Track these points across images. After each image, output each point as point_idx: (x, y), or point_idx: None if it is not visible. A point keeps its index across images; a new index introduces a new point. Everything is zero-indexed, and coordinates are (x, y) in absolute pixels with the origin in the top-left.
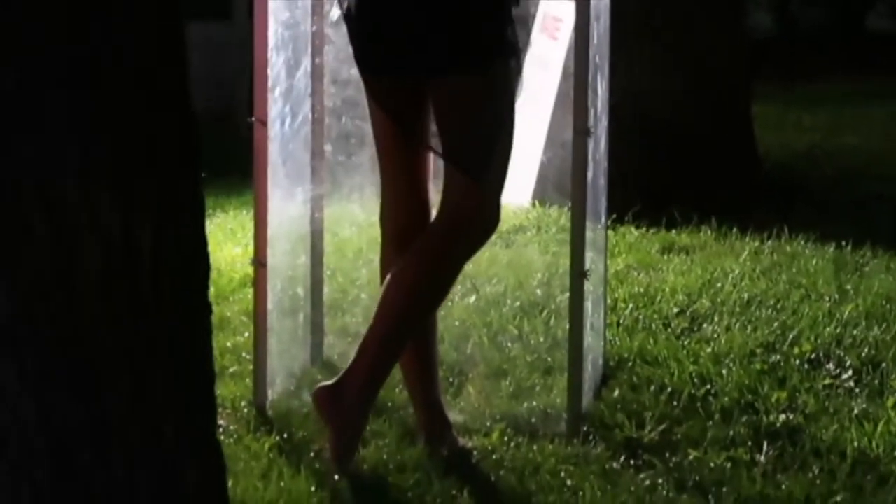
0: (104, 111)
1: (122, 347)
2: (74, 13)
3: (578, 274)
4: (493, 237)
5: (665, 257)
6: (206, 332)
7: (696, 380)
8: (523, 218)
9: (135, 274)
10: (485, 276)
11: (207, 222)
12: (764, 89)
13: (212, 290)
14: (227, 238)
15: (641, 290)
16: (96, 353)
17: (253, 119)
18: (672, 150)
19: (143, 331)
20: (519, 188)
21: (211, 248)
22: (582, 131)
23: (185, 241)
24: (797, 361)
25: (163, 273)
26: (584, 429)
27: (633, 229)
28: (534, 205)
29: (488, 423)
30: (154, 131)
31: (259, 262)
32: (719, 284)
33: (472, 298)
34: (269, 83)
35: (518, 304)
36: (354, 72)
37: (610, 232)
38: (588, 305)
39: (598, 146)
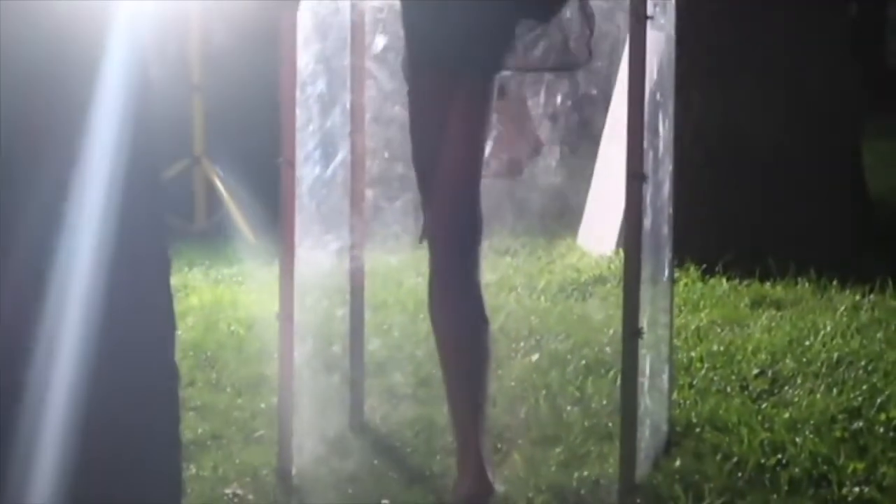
0: None
1: None
2: None
3: (632, 332)
4: (570, 289)
5: (754, 312)
6: (172, 399)
7: (767, 448)
8: (604, 268)
9: None
10: (553, 331)
11: (264, 270)
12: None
13: (257, 345)
14: None
15: (722, 348)
16: None
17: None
18: (769, 193)
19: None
20: (601, 235)
21: (263, 299)
22: (636, 176)
23: (148, 299)
24: (882, 429)
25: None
26: (637, 501)
27: (723, 281)
28: (617, 253)
29: (531, 495)
30: None
31: (285, 315)
32: (808, 342)
33: (535, 356)
34: (301, 121)
35: (583, 362)
36: (398, 109)
37: (699, 284)
38: (647, 366)
39: (660, 192)
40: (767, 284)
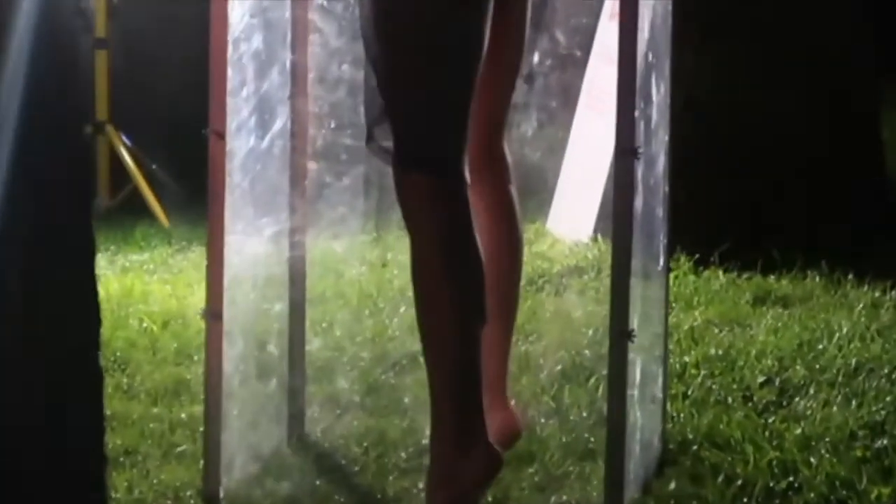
0: None
1: None
2: None
3: (620, 333)
4: (541, 282)
5: (757, 310)
6: (95, 403)
7: (776, 469)
8: (581, 257)
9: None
10: (522, 331)
11: (179, 257)
12: None
13: (174, 345)
14: (200, 279)
15: (721, 352)
16: None
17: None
18: (773, 175)
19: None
20: (576, 219)
21: (179, 291)
22: (627, 151)
23: (69, 289)
24: None
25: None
26: None
27: (720, 274)
28: (595, 240)
29: None
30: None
31: (212, 313)
32: (821, 346)
33: None
34: (233, 84)
35: (559, 367)
36: (346, 68)
37: (691, 277)
38: (637, 372)
39: (653, 168)
40: (772, 278)
